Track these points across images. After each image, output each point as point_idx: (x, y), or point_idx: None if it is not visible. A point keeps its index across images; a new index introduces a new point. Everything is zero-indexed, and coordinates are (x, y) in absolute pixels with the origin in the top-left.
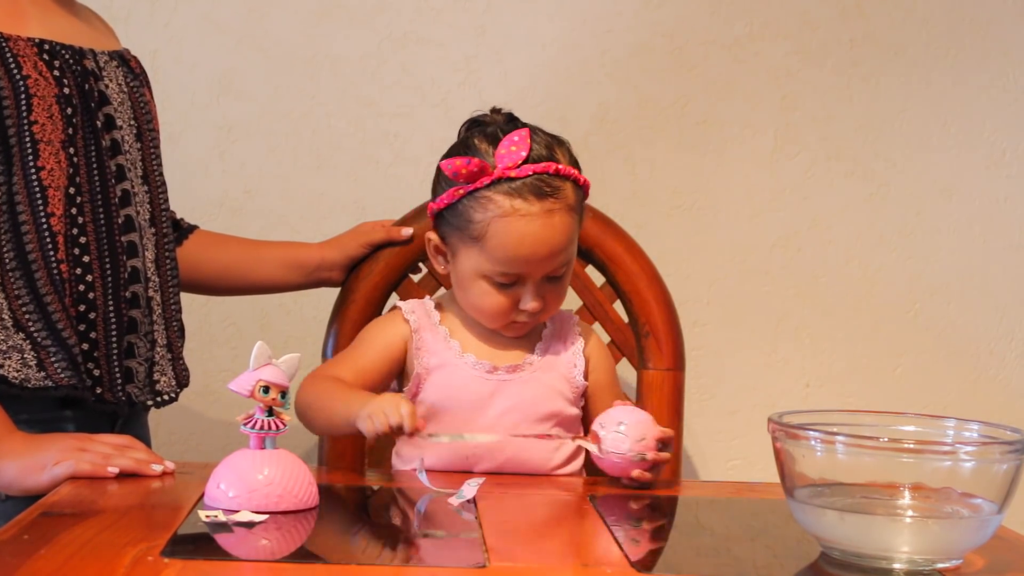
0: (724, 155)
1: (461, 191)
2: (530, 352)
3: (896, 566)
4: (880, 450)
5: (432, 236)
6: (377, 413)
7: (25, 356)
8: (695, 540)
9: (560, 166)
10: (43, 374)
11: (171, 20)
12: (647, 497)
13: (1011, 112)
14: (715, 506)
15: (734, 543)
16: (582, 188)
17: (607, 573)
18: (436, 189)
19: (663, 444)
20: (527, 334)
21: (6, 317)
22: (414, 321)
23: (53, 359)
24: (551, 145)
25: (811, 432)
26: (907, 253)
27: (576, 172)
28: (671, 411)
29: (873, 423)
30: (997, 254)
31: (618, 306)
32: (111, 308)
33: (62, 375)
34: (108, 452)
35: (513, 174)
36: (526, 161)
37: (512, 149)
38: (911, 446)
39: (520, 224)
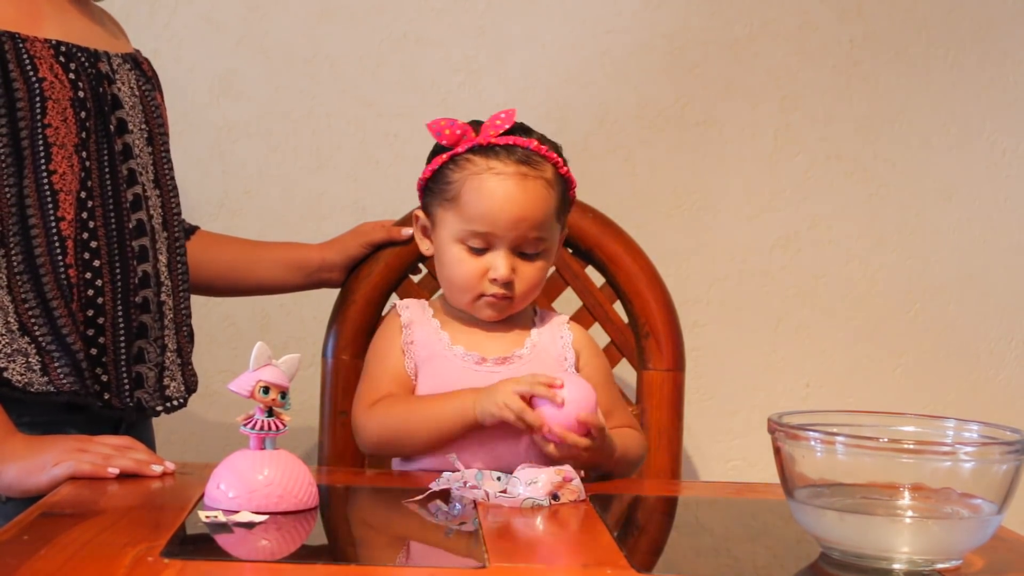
0: (724, 155)
1: (444, 156)
2: (519, 346)
3: (896, 566)
4: (880, 450)
5: (419, 213)
6: (500, 409)
7: (29, 360)
8: (695, 540)
9: (543, 147)
10: (46, 379)
11: (171, 20)
12: (647, 497)
13: (1011, 112)
14: (715, 506)
15: (734, 543)
16: (564, 179)
17: (607, 573)
18: (426, 165)
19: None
20: (514, 326)
21: (12, 321)
22: (406, 316)
23: (57, 364)
24: (542, 136)
25: (811, 432)
26: (907, 253)
27: (560, 160)
28: (671, 411)
29: (873, 423)
30: (997, 254)
31: (618, 307)
32: (120, 313)
33: (64, 381)
34: (108, 453)
35: (494, 141)
36: (509, 133)
37: (497, 122)
38: (911, 446)
39: (493, 181)
